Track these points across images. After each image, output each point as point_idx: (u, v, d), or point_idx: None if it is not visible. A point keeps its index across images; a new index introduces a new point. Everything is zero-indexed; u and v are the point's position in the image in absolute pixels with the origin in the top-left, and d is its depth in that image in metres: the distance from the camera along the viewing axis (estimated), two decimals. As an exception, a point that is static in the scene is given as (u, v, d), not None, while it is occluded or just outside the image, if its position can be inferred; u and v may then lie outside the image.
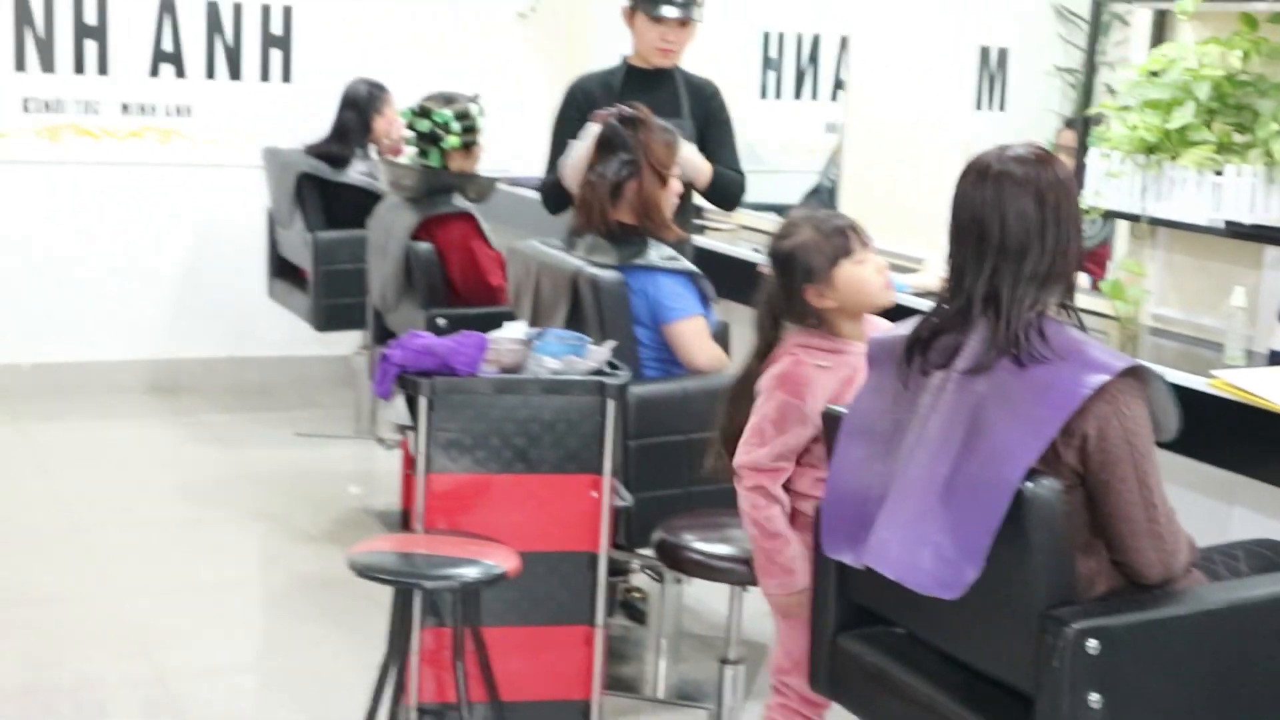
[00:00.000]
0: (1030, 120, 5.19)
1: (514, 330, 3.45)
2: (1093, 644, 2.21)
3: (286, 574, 4.76)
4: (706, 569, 3.15)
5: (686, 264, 3.81)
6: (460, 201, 4.82)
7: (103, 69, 6.46)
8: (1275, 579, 2.53)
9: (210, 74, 6.64)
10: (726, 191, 4.60)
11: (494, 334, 3.39)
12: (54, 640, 4.09)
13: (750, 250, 5.18)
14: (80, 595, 4.43)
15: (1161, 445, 2.41)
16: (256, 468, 5.69)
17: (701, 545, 3.15)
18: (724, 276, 4.23)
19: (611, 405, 3.31)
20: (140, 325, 6.64)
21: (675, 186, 3.85)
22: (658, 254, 3.75)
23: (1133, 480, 2.30)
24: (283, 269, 6.17)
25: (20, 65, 6.33)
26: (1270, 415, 3.12)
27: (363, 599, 4.03)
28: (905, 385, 2.47)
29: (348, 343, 6.31)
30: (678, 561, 3.19)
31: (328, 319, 5.81)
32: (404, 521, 3.59)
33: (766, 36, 6.33)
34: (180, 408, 6.45)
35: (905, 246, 4.61)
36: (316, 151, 5.95)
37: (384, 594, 3.10)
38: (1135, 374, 2.31)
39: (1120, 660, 2.25)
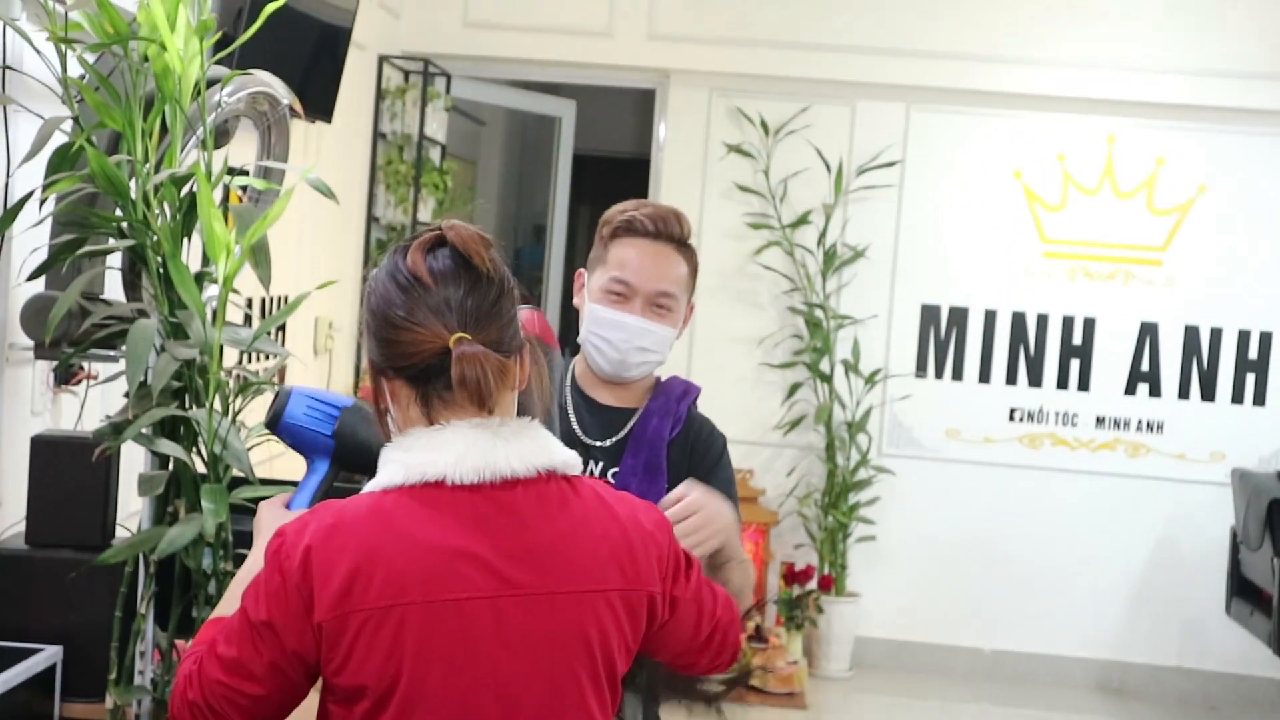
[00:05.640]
0: None
1: None
2: None
3: None
4: None
5: None
6: None
7: (1083, 385, 7.03)
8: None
9: (1184, 394, 6.99)
10: None
11: None
12: None
13: None
14: None
15: None
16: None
17: None
18: None
19: None
20: (1093, 626, 6.99)
21: None
22: None
23: None
24: (1244, 589, 6.28)
25: (1011, 380, 7.06)
26: None
27: None
28: None
29: (1303, 671, 6.27)
30: None
31: (1292, 645, 5.85)
32: None
33: None
34: (1125, 710, 6.68)
35: None
36: (1291, 478, 6.10)
37: None
38: None
39: None
